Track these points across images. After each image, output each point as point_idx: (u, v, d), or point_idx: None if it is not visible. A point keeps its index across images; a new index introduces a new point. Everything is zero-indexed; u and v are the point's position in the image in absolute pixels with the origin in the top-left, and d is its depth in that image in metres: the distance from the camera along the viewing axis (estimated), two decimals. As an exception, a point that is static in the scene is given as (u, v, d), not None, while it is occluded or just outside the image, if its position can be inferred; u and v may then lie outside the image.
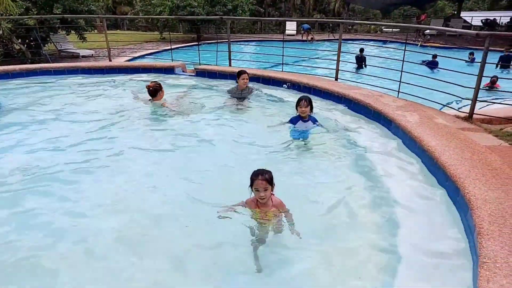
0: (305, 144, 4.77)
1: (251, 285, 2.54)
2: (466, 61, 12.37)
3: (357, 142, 4.80)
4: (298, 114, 5.02)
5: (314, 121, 5.05)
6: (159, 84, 5.86)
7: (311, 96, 6.59)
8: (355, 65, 13.48)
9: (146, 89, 5.83)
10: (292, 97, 6.73)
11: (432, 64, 12.98)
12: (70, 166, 4.12)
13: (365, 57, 13.46)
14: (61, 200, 3.49)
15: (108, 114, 5.79)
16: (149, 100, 6.00)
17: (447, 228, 2.99)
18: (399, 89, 6.36)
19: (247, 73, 6.58)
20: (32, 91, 7.24)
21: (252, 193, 2.86)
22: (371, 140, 4.81)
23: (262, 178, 2.76)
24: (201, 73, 8.57)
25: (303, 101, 4.90)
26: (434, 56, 12.88)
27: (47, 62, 10.94)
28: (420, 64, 13.20)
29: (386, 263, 2.71)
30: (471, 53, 14.87)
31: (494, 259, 2.27)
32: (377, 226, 3.13)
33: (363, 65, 13.51)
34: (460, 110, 5.80)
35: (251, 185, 2.81)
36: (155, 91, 5.80)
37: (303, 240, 2.84)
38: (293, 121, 5.06)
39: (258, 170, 2.83)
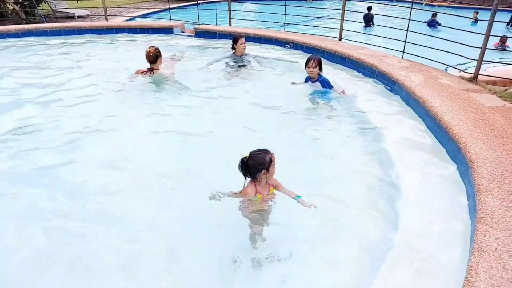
0: (313, 105, 4.75)
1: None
2: (472, 19, 12.01)
3: (360, 103, 4.77)
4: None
5: (324, 84, 4.91)
6: (158, 49, 5.40)
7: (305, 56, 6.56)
8: (363, 24, 13.09)
9: (145, 54, 5.30)
10: (296, 57, 6.63)
11: (432, 23, 12.63)
12: (66, 127, 4.16)
13: (373, 16, 13.05)
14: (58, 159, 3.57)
15: (107, 78, 5.70)
16: (148, 70, 5.36)
17: (448, 187, 3.05)
18: (404, 49, 6.23)
19: (244, 37, 6.14)
20: (29, 52, 7.11)
21: (246, 183, 2.57)
22: (374, 101, 4.79)
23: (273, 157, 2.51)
24: (200, 33, 8.35)
25: (311, 61, 4.84)
26: (434, 15, 12.51)
27: (42, 22, 10.64)
28: (426, 23, 12.84)
29: (387, 219, 2.79)
30: (476, 12, 14.38)
31: (491, 214, 2.34)
32: (379, 184, 3.19)
33: (371, 24, 13.12)
34: (465, 71, 5.72)
35: (270, 164, 2.47)
36: (155, 57, 5.28)
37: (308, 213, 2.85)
38: (306, 80, 5.08)
39: (261, 149, 2.50)
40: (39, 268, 2.40)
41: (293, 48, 7.16)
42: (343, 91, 4.88)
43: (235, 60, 6.11)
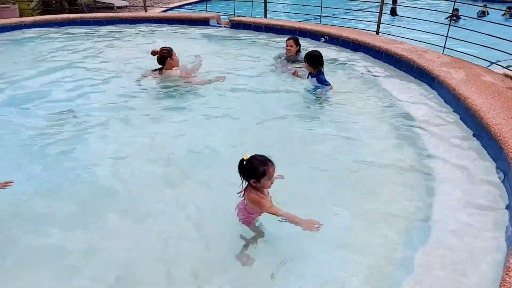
0: (319, 102, 4.66)
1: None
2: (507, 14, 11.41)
3: (396, 99, 4.70)
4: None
5: (322, 81, 4.70)
6: (168, 49, 4.94)
7: (348, 51, 6.52)
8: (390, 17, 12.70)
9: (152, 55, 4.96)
10: (331, 52, 6.57)
11: (481, 15, 12.07)
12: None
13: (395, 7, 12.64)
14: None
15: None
16: (158, 70, 5.04)
17: (487, 187, 2.99)
18: (445, 44, 6.03)
19: (292, 39, 5.67)
20: (75, 40, 7.44)
21: (240, 196, 2.48)
22: (411, 98, 4.70)
23: (273, 164, 2.37)
24: (235, 25, 8.42)
25: (305, 56, 4.75)
26: (456, 10, 11.94)
27: (83, 12, 11.08)
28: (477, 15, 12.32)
29: (423, 215, 2.78)
30: (509, 8, 13.50)
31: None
32: (414, 182, 3.17)
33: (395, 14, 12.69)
34: (510, 68, 5.47)
35: (262, 177, 2.32)
36: (162, 58, 4.88)
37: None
38: (310, 74, 4.92)
39: (264, 157, 2.36)
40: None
41: (328, 42, 7.09)
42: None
43: (286, 57, 5.84)
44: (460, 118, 4.06)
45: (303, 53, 6.02)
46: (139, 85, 5.04)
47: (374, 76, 5.46)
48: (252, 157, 2.32)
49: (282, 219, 2.33)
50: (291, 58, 5.79)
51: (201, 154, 3.62)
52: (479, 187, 3.00)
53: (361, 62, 6.01)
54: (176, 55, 5.06)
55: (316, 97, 4.72)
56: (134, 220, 2.81)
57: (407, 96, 4.76)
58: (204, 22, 8.74)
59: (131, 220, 2.82)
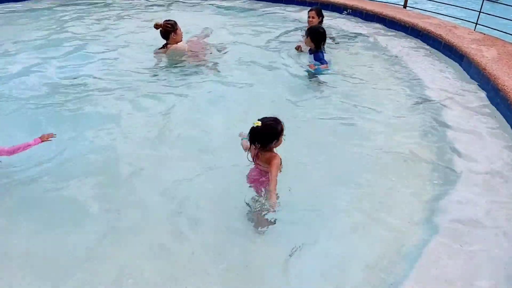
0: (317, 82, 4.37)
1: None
2: None
3: (421, 77, 4.42)
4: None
5: (319, 59, 4.34)
6: (172, 22, 4.62)
7: (372, 25, 6.15)
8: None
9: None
10: (354, 26, 6.23)
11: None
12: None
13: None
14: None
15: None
16: (163, 47, 4.73)
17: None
18: (477, 20, 5.61)
19: (314, 10, 5.25)
20: (85, 11, 7.29)
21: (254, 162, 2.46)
22: (436, 76, 4.41)
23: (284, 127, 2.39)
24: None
25: (307, 31, 4.41)
26: None
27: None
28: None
29: (441, 203, 2.61)
30: None
31: None
32: (435, 167, 2.98)
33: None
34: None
35: (281, 134, 2.34)
36: (166, 33, 4.59)
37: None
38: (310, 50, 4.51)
39: (272, 117, 2.37)
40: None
41: (351, 15, 6.72)
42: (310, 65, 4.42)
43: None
44: (489, 100, 3.78)
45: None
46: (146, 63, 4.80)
47: (398, 52, 5.14)
48: (263, 120, 2.28)
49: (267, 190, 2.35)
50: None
51: (199, 133, 3.48)
52: (505, 174, 2.79)
53: (385, 38, 5.67)
54: (180, 29, 4.74)
55: (308, 72, 4.43)
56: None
57: (432, 74, 4.47)
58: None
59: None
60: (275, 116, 2.35)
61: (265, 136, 2.28)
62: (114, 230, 2.48)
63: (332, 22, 6.49)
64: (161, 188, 2.79)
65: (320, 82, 4.34)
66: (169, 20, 4.66)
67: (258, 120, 2.27)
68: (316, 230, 2.45)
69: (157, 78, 4.48)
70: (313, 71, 4.40)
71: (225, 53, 4.94)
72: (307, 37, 4.35)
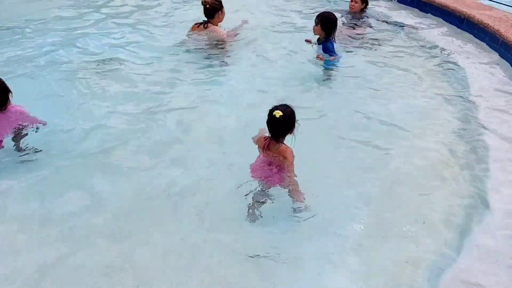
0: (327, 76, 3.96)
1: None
2: None
3: (470, 80, 3.87)
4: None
5: (328, 50, 3.89)
6: (219, 1, 4.37)
7: (421, 14, 5.48)
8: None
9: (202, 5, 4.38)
10: (400, 14, 5.61)
11: None
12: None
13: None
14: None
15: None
16: (203, 23, 4.40)
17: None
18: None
19: None
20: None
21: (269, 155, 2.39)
22: (489, 83, 3.81)
23: None
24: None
25: (316, 17, 3.88)
26: None
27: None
28: None
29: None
30: None
31: None
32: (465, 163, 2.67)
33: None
34: None
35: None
36: (213, 10, 4.29)
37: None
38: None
39: (287, 105, 2.32)
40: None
41: (400, 1, 6.06)
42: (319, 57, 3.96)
43: (347, 17, 5.06)
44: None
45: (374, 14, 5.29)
46: (181, 44, 4.59)
47: (446, 48, 4.53)
48: (280, 109, 2.19)
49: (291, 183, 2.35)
50: (355, 17, 5.03)
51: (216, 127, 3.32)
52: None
53: (434, 30, 5.03)
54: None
55: (324, 68, 4.00)
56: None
57: (483, 78, 3.88)
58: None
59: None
60: (284, 103, 2.28)
61: (286, 125, 2.23)
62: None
63: (378, 7, 5.90)
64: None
65: (329, 77, 3.95)
66: None
67: (276, 109, 2.18)
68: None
69: (185, 60, 4.30)
70: (321, 64, 3.98)
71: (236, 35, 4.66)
72: (317, 25, 3.84)
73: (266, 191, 2.41)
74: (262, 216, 2.38)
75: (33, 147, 2.88)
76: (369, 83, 3.86)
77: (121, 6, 6.04)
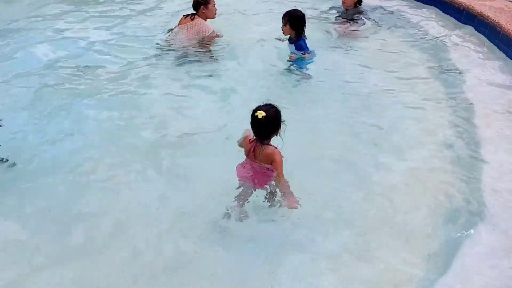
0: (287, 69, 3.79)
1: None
2: None
3: (467, 76, 3.64)
4: None
5: (302, 48, 3.69)
6: None
7: (418, 5, 5.18)
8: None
9: None
10: (392, 4, 5.33)
11: None
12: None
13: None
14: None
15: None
16: (190, 15, 4.25)
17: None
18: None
19: None
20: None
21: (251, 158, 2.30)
22: (486, 75, 3.57)
23: None
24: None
25: (283, 17, 3.65)
26: None
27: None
28: None
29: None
30: None
31: None
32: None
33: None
34: None
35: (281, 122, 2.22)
36: (197, 3, 4.16)
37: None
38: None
39: (270, 104, 2.23)
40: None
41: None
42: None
43: (341, 11, 4.84)
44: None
45: (373, 11, 5.00)
46: (165, 42, 4.42)
47: (443, 42, 4.29)
48: (264, 109, 2.09)
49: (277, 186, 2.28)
50: (348, 13, 4.76)
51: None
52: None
53: (433, 26, 4.73)
54: (215, 7, 4.27)
55: (292, 65, 3.81)
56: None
57: (481, 72, 3.64)
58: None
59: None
60: (269, 102, 2.19)
61: (271, 125, 2.13)
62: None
63: (372, 1, 5.64)
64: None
65: (304, 76, 3.76)
66: None
67: (258, 110, 2.08)
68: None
69: (163, 58, 4.15)
70: (293, 63, 3.78)
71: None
72: (285, 25, 3.62)
73: (252, 191, 2.34)
74: (241, 220, 2.31)
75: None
76: (355, 84, 3.66)
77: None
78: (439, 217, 2.33)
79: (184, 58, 4.15)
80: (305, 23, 3.66)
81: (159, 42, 4.45)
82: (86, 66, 4.10)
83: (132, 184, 2.66)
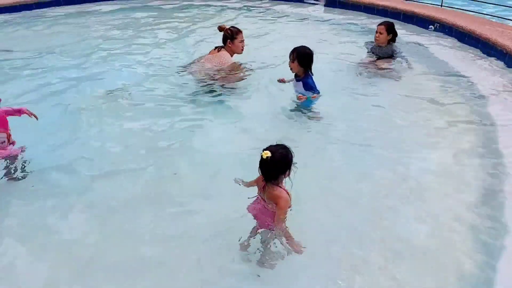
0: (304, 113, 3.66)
1: None
2: None
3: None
4: None
5: (310, 87, 3.58)
6: (235, 30, 4.32)
7: (463, 47, 5.01)
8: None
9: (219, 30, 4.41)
10: (438, 47, 5.17)
11: None
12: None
13: None
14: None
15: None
16: (218, 48, 4.40)
17: None
18: None
19: (384, 24, 4.53)
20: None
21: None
22: None
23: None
24: (332, 3, 7.32)
25: (291, 53, 3.52)
26: None
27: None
28: None
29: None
30: None
31: None
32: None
33: None
34: None
35: (291, 165, 2.13)
36: (224, 37, 4.31)
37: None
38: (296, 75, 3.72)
39: (280, 145, 2.15)
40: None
41: (438, 31, 5.61)
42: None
43: (374, 48, 4.75)
44: None
45: (405, 48, 4.84)
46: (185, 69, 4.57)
47: (482, 88, 4.06)
48: (272, 149, 2.04)
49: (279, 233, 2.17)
50: (381, 50, 4.67)
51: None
52: None
53: (478, 73, 4.44)
54: (244, 42, 4.37)
55: (297, 104, 3.71)
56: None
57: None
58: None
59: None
60: (282, 143, 2.12)
61: (276, 167, 2.06)
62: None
63: (412, 38, 5.51)
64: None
65: (313, 117, 3.64)
66: (233, 27, 4.36)
67: (266, 150, 2.04)
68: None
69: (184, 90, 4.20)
70: (302, 103, 3.66)
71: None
72: (293, 61, 3.51)
73: (257, 230, 2.28)
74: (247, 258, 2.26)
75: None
76: (372, 133, 3.47)
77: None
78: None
79: (203, 88, 4.21)
80: (313, 60, 3.58)
81: (181, 69, 4.59)
82: (109, 91, 4.23)
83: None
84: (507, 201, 2.63)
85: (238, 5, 7.73)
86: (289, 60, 3.55)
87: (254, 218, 2.26)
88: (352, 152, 3.23)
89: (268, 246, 2.24)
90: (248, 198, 2.25)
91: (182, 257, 2.31)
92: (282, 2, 7.80)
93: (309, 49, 3.53)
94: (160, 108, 3.91)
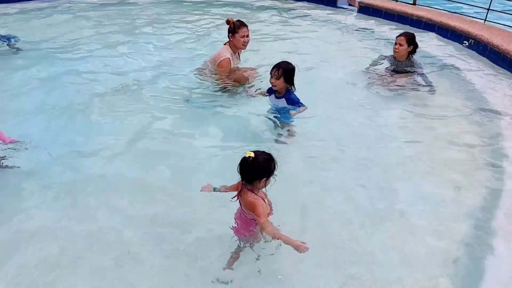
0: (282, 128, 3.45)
1: None
2: None
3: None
4: None
5: (294, 102, 3.32)
6: (237, 23, 4.02)
7: (494, 68, 4.48)
8: None
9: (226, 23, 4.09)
10: (471, 66, 4.69)
11: None
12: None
13: None
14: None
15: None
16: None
17: None
18: None
19: (404, 35, 4.20)
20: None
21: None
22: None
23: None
24: (364, 9, 6.96)
25: (275, 70, 3.22)
26: None
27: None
28: None
29: None
30: None
31: None
32: None
33: None
34: None
35: (273, 172, 2.07)
36: (228, 30, 4.04)
37: None
38: (270, 91, 3.49)
39: (271, 156, 2.10)
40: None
41: (472, 48, 5.09)
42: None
43: (392, 61, 4.39)
44: None
45: (423, 60, 4.47)
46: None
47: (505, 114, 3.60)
48: (257, 152, 2.03)
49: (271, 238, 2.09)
50: (399, 65, 4.29)
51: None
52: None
53: (494, 90, 4.06)
54: (247, 36, 4.00)
55: (281, 121, 3.46)
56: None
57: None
58: (332, 2, 7.52)
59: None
60: (268, 152, 2.09)
61: (255, 170, 2.01)
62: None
63: (439, 53, 5.05)
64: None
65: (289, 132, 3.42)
66: (238, 20, 4.04)
67: (251, 151, 2.01)
68: None
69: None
70: (284, 118, 3.43)
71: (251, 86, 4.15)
72: (278, 78, 3.21)
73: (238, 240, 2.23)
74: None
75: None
76: (380, 151, 3.20)
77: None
78: None
79: (202, 89, 4.10)
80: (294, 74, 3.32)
81: (194, 70, 4.46)
82: (121, 85, 4.25)
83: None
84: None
85: (269, 6, 7.61)
86: (271, 77, 3.26)
87: (235, 223, 2.21)
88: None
89: (252, 247, 2.21)
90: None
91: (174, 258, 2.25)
92: (313, 5, 7.57)
93: (291, 64, 3.28)
94: (153, 107, 3.85)
